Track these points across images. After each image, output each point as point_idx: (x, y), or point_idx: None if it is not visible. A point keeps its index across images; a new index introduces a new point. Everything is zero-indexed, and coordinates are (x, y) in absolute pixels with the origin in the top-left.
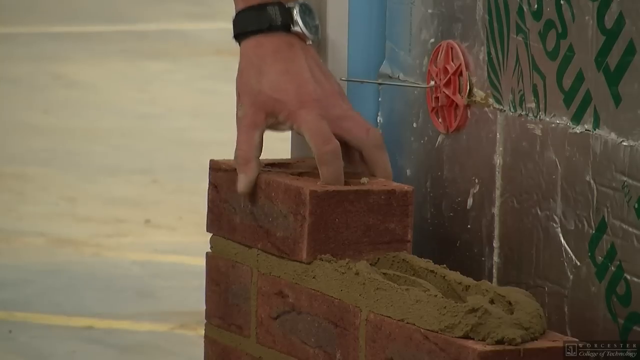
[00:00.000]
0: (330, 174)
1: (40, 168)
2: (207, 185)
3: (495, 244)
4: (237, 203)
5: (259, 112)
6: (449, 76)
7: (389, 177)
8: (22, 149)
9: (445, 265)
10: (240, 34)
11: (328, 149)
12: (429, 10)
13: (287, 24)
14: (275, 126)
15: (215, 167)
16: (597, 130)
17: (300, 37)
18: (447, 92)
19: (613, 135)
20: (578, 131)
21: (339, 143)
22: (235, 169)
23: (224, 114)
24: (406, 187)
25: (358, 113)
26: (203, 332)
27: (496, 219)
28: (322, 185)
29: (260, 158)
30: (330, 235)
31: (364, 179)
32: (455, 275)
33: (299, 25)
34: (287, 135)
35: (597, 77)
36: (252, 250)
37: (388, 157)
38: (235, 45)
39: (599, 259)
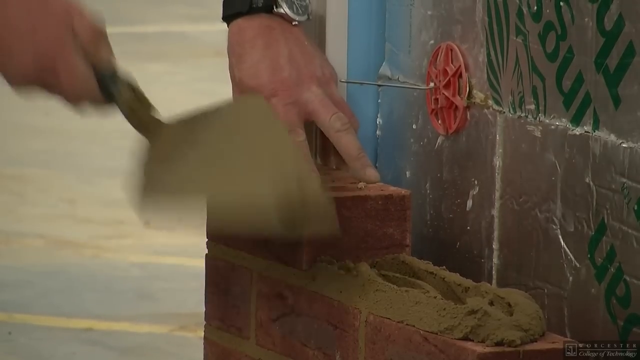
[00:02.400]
0: None
1: (40, 169)
2: None
3: (495, 245)
4: None
5: None
6: (448, 78)
7: (353, 159)
8: (22, 150)
9: (444, 267)
10: (225, 18)
11: (291, 137)
12: (429, 12)
13: (269, 6)
14: None
15: None
16: (596, 131)
17: (285, 18)
18: (446, 94)
19: (613, 137)
20: (577, 133)
21: (304, 133)
22: None
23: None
24: (403, 192)
25: (334, 98)
26: (202, 333)
27: (496, 220)
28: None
29: None
30: (329, 242)
31: (361, 184)
32: (454, 277)
33: (282, 7)
34: None
35: (596, 79)
36: (252, 257)
37: (354, 139)
38: None
39: (599, 260)
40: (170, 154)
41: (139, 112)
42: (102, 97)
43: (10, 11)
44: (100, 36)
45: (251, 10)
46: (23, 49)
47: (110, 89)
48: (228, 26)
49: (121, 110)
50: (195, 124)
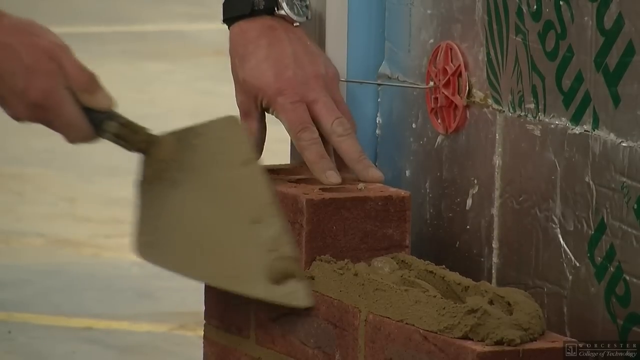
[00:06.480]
0: (313, 156)
1: (39, 168)
2: None
3: (495, 244)
4: None
5: (248, 99)
6: (448, 77)
7: (355, 162)
8: (22, 149)
9: (444, 266)
10: (227, 20)
11: (305, 135)
12: (428, 11)
13: (270, 8)
14: (265, 111)
15: None
16: (596, 130)
17: (286, 19)
18: (446, 93)
19: (612, 136)
20: (577, 132)
21: (316, 129)
22: None
23: (223, 114)
24: (403, 193)
25: (336, 98)
26: (202, 332)
27: (495, 219)
28: (319, 192)
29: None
30: (328, 242)
31: (361, 185)
32: (454, 276)
33: (284, 8)
34: (287, 136)
35: (596, 78)
36: None
37: (355, 144)
38: None
39: (598, 259)
40: (163, 175)
41: (130, 139)
42: (95, 135)
43: (2, 67)
44: (93, 82)
45: (253, 13)
46: (17, 102)
47: (103, 126)
48: (229, 28)
49: (112, 141)
50: (182, 143)
